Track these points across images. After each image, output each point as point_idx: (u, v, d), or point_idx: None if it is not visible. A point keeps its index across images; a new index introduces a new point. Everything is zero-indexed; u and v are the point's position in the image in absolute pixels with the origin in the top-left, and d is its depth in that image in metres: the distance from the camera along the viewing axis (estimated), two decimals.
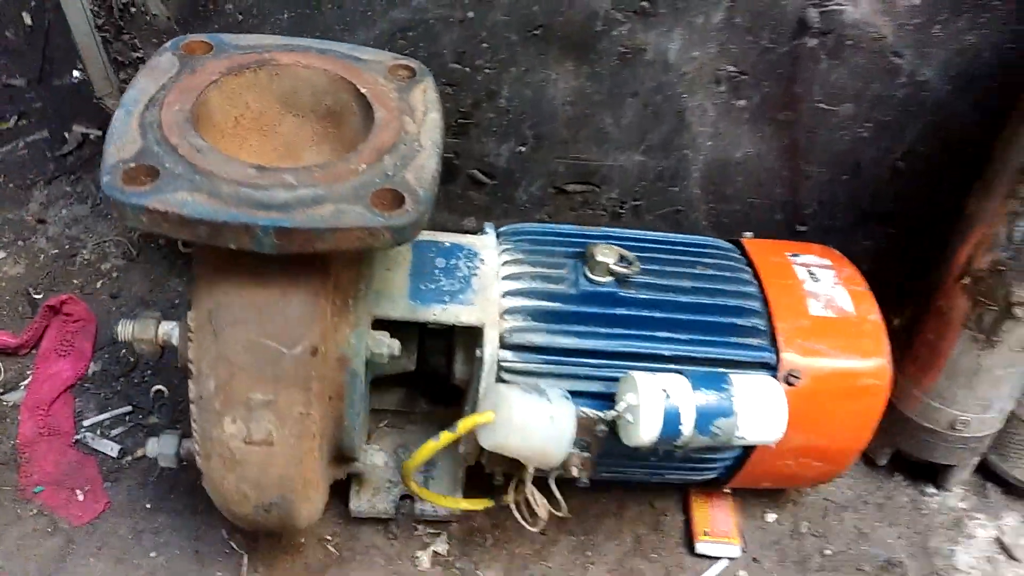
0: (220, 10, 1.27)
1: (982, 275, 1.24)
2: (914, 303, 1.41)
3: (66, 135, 2.03)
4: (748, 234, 1.42)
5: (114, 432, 1.53)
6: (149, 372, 1.63)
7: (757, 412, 1.12)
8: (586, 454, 1.19)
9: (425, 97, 1.12)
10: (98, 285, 1.80)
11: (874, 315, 1.29)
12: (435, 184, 1.00)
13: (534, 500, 1.20)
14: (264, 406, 1.01)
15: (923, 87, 1.28)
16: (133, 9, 1.26)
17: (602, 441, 1.18)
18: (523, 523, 1.22)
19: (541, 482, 1.21)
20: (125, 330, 1.09)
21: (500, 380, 1.18)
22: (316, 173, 0.96)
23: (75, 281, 1.80)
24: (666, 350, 1.21)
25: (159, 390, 1.59)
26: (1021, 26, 1.20)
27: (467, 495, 1.37)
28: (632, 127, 1.37)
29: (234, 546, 1.37)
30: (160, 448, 1.23)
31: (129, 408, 1.56)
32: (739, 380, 1.14)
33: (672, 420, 1.09)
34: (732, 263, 1.33)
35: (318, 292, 1.02)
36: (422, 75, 1.15)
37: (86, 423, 1.53)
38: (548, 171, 1.45)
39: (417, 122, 1.07)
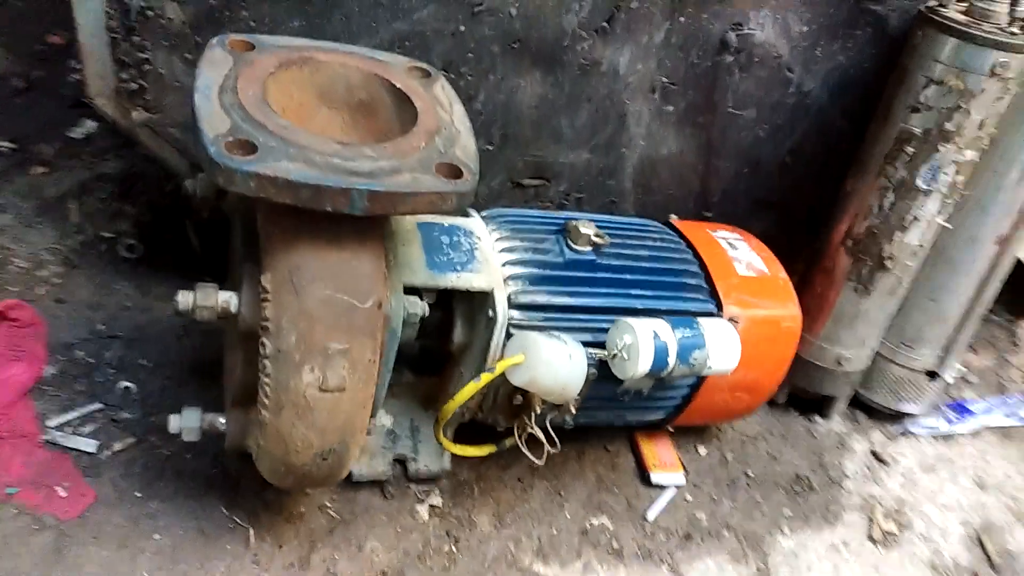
0: (235, 17, 1.38)
1: (860, 238, 1.63)
2: (803, 268, 1.78)
3: None
4: (674, 216, 1.72)
5: (85, 430, 1.54)
6: (112, 371, 1.66)
7: (721, 345, 1.40)
8: (578, 396, 1.42)
9: (445, 92, 1.31)
10: (40, 292, 1.79)
11: (783, 274, 1.63)
12: (477, 161, 1.20)
13: (540, 435, 1.41)
14: (340, 354, 1.14)
15: (807, 96, 1.66)
16: (150, 12, 1.35)
17: (590, 384, 1.41)
18: (530, 457, 1.41)
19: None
20: (185, 300, 1.17)
21: (508, 336, 1.38)
22: (388, 148, 1.13)
23: (12, 288, 1.78)
24: (639, 304, 1.47)
25: (127, 387, 1.63)
26: (876, 49, 1.60)
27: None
28: (584, 128, 1.63)
29: (237, 520, 1.45)
30: (184, 422, 1.30)
31: (99, 406, 1.58)
32: (705, 322, 1.42)
33: (661, 354, 1.35)
34: (671, 238, 1.63)
35: (380, 254, 1.18)
36: (436, 75, 1.34)
37: (51, 423, 1.54)
38: (509, 167, 1.67)
39: (447, 112, 1.26)
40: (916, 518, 1.71)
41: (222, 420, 1.32)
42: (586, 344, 1.41)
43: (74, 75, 2.33)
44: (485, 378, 1.27)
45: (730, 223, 1.81)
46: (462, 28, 1.46)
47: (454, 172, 1.13)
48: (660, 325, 1.37)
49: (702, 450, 1.77)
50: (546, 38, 1.49)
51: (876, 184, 1.57)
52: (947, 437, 1.91)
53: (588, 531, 1.57)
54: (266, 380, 1.16)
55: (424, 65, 1.34)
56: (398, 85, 1.27)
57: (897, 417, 1.89)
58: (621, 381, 1.40)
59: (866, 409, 1.92)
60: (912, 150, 1.50)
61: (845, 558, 1.61)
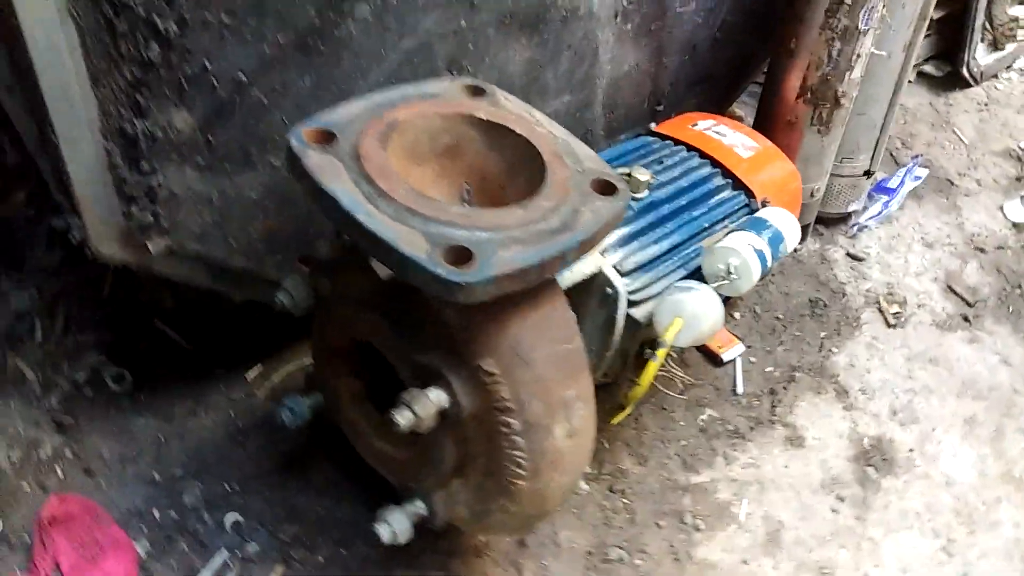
0: (246, 100, 1.18)
1: (816, 87, 1.81)
2: (759, 128, 1.95)
3: None
4: (653, 125, 1.80)
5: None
6: (205, 513, 1.49)
7: (787, 228, 1.55)
8: None
9: (510, 100, 1.25)
10: (59, 474, 1.51)
11: (768, 142, 1.79)
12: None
13: (679, 372, 1.51)
14: (575, 399, 1.15)
15: None
16: (158, 133, 1.11)
17: None
18: (670, 392, 1.51)
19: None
20: (404, 418, 1.09)
21: (631, 304, 1.43)
22: (546, 189, 1.10)
23: (25, 489, 1.48)
24: (705, 221, 1.57)
25: (236, 520, 1.48)
26: None
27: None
28: (564, 74, 1.62)
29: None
30: (396, 526, 1.25)
31: (225, 554, 1.44)
32: (768, 214, 1.56)
33: (763, 260, 1.47)
34: (678, 149, 1.71)
35: (560, 292, 1.17)
36: (491, 90, 1.26)
37: None
38: None
39: (535, 121, 1.22)
40: (905, 293, 2.07)
41: (421, 505, 1.28)
42: (685, 279, 1.50)
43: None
44: (661, 354, 1.33)
45: (676, 108, 1.93)
46: (463, 23, 1.36)
47: (607, 187, 1.13)
48: (749, 237, 1.48)
49: (736, 315, 1.97)
50: (532, 4, 1.44)
51: (823, 37, 1.74)
52: (887, 218, 2.26)
53: (705, 428, 1.73)
54: (518, 454, 1.14)
55: (476, 82, 1.26)
56: (482, 116, 1.19)
57: (846, 218, 2.21)
58: (728, 298, 1.52)
59: (820, 221, 2.21)
60: (850, 1, 1.68)
61: (881, 349, 1.93)
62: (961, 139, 2.59)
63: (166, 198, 1.21)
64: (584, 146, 1.20)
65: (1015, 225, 2.26)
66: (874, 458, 1.72)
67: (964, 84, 2.77)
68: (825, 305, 2.01)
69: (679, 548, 1.54)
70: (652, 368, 1.34)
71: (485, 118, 1.20)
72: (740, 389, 1.80)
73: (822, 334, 1.95)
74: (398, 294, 1.15)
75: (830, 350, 1.92)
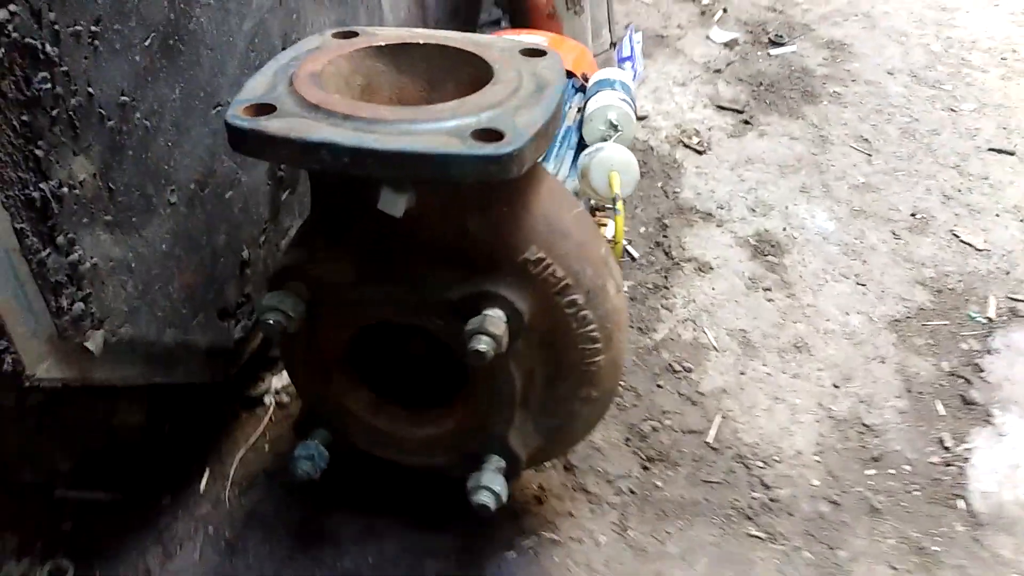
0: (132, 128, 0.98)
1: None
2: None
3: None
4: None
5: None
6: None
7: (623, 77, 1.68)
8: None
9: (388, 29, 1.20)
10: None
11: (551, 34, 1.89)
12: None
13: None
14: (607, 253, 1.15)
15: None
16: (62, 189, 0.87)
17: None
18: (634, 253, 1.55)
19: None
20: (485, 343, 1.00)
21: None
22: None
23: None
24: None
25: None
26: None
27: None
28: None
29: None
30: (493, 485, 1.16)
31: None
32: (599, 76, 1.66)
33: (632, 105, 1.57)
34: None
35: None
36: (361, 30, 1.18)
37: None
38: None
39: (429, 33, 1.18)
40: (692, 125, 2.31)
41: (496, 459, 1.20)
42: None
43: None
44: (621, 206, 1.36)
45: None
46: None
47: (536, 52, 1.13)
48: (608, 94, 1.57)
49: None
50: None
51: None
52: (642, 79, 2.48)
53: (633, 296, 1.81)
54: (590, 328, 1.11)
55: (345, 28, 1.18)
56: (379, 43, 1.12)
57: None
58: None
59: None
60: None
61: (708, 172, 2.15)
62: (644, 2, 2.93)
63: (90, 274, 0.98)
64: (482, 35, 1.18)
65: (726, 44, 2.63)
66: (765, 249, 1.92)
67: None
68: (645, 163, 2.18)
69: (688, 392, 1.60)
70: (620, 221, 1.37)
71: (384, 44, 1.13)
72: (636, 255, 1.90)
73: (659, 184, 2.12)
74: (406, 237, 1.04)
75: (675, 191, 2.09)
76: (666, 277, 1.85)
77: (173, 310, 1.16)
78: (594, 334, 1.11)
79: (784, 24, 2.72)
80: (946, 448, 1.54)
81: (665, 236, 1.96)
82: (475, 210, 1.02)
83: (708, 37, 2.66)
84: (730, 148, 2.23)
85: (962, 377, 1.66)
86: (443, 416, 1.23)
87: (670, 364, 1.66)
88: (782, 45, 2.60)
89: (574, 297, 1.08)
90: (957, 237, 1.96)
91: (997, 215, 2.02)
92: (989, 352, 1.71)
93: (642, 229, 1.98)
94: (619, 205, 1.39)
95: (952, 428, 1.57)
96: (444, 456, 1.24)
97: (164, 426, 1.46)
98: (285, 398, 1.56)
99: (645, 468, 1.49)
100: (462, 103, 0.96)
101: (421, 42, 1.13)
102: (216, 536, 1.37)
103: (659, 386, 1.62)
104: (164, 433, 1.46)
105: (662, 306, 1.78)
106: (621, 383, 1.57)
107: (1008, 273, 1.88)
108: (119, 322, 1.05)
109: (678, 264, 1.88)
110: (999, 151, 2.22)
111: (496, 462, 1.20)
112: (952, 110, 2.36)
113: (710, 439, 1.53)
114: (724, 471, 1.49)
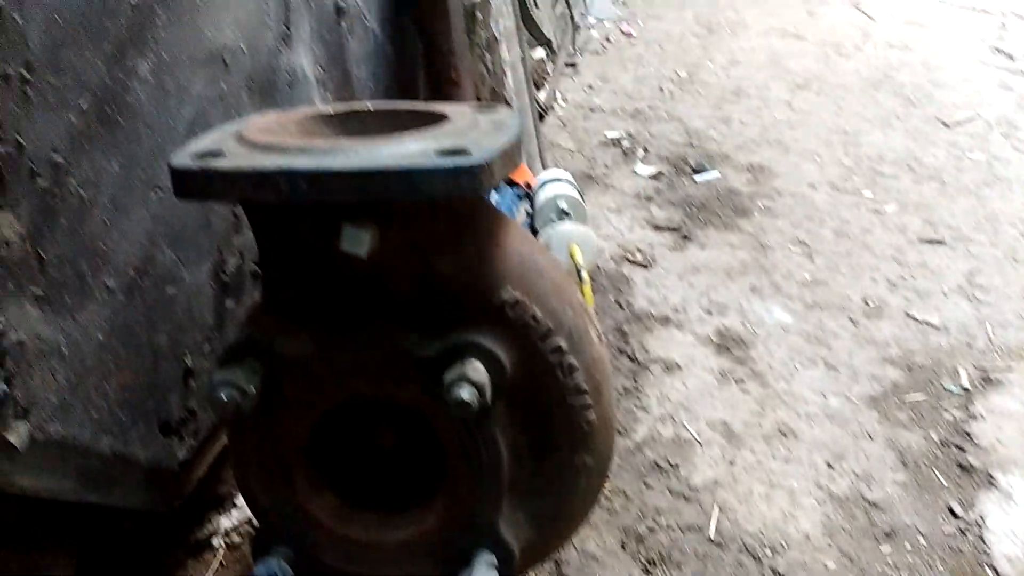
0: (65, 193, 0.89)
1: (488, 98, 2.00)
2: None
3: None
4: None
5: None
6: None
7: (563, 176, 1.67)
8: None
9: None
10: None
11: None
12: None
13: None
14: (579, 295, 1.07)
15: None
16: None
17: None
18: None
19: None
20: (468, 392, 0.89)
21: None
22: None
23: None
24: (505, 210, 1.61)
25: None
26: None
27: None
28: None
29: None
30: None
31: None
32: (551, 172, 1.66)
33: (581, 194, 1.56)
34: None
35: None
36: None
37: None
38: None
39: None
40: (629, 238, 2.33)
41: (487, 554, 1.05)
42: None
43: None
44: (587, 276, 1.30)
45: None
46: (223, 86, 1.23)
47: (489, 107, 1.11)
48: (557, 185, 1.56)
49: None
50: (264, 67, 1.37)
51: (475, 54, 1.96)
52: None
53: None
54: (577, 377, 1.01)
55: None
56: (329, 111, 1.09)
57: None
58: None
59: None
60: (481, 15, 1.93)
61: (657, 283, 2.14)
62: (568, 149, 3.06)
63: (14, 352, 0.85)
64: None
65: (652, 176, 2.73)
66: (729, 344, 1.88)
67: None
68: (594, 279, 2.16)
69: (679, 488, 1.48)
70: (588, 291, 1.31)
71: (333, 112, 1.10)
72: None
73: (611, 297, 2.09)
74: (370, 291, 0.95)
75: (628, 302, 2.06)
76: (635, 380, 1.77)
77: (110, 413, 1.01)
78: (582, 385, 1.02)
79: (703, 155, 2.86)
80: (956, 516, 1.45)
81: (627, 343, 1.90)
82: (444, 249, 0.94)
83: (635, 172, 2.76)
84: (674, 260, 2.24)
85: (954, 445, 1.59)
86: (422, 513, 1.08)
87: (655, 462, 1.54)
88: (705, 172, 2.71)
89: (557, 342, 0.99)
90: (913, 317, 1.97)
91: (944, 294, 2.05)
92: (974, 418, 1.66)
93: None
94: (584, 275, 1.34)
95: (958, 495, 1.48)
96: (428, 561, 1.08)
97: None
98: (236, 539, 1.37)
99: (647, 572, 1.34)
100: (422, 132, 0.92)
101: (371, 108, 1.11)
102: None
103: (648, 485, 1.49)
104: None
105: (636, 407, 1.68)
106: (606, 488, 1.45)
107: (970, 345, 1.87)
108: (47, 415, 0.90)
109: (644, 367, 1.81)
110: (931, 241, 2.29)
111: (487, 558, 1.04)
112: (877, 211, 2.46)
113: (711, 533, 1.40)
114: (733, 565, 1.34)
